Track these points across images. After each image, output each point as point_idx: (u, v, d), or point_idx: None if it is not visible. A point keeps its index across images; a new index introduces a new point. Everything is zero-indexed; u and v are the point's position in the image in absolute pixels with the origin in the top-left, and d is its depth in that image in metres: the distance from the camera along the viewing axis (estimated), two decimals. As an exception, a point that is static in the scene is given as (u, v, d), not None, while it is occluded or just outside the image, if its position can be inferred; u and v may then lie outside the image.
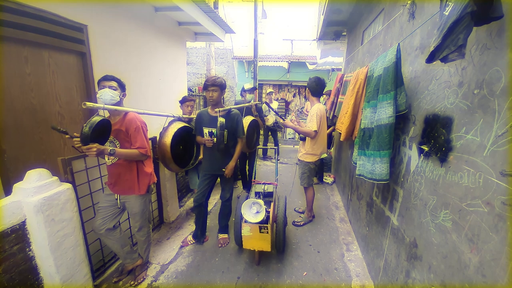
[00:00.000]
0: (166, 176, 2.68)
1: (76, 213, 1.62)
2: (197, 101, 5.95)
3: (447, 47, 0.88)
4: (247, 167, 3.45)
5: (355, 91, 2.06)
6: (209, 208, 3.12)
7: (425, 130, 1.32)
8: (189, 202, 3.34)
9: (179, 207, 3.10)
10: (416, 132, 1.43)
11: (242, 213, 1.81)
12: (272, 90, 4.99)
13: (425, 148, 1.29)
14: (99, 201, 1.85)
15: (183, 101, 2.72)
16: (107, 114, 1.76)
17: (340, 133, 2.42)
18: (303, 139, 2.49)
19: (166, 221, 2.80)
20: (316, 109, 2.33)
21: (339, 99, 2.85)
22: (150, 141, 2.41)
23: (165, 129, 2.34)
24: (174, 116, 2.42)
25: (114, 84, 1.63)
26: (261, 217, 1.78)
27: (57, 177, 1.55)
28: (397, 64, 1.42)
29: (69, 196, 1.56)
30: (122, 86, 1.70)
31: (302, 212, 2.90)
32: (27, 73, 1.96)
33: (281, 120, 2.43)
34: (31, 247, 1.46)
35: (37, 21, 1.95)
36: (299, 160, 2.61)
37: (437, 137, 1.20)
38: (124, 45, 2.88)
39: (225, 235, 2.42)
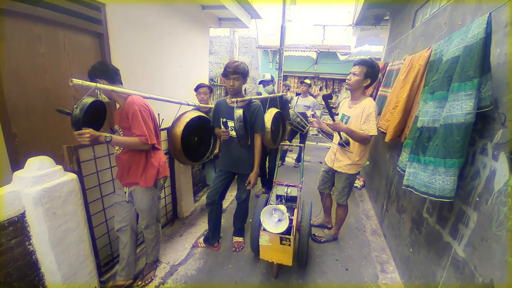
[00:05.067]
0: (181, 169, 2.51)
1: (80, 206, 1.48)
2: (218, 92, 5.76)
3: None
4: (267, 164, 3.18)
5: (408, 81, 1.66)
6: (224, 206, 2.93)
7: (528, 134, 0.93)
8: (205, 197, 3.16)
9: (194, 201, 2.95)
10: (506, 137, 1.04)
11: (261, 221, 1.55)
12: (308, 82, 4.32)
13: (527, 160, 0.91)
14: (114, 196, 1.73)
15: (197, 88, 2.50)
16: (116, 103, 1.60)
17: (383, 132, 2.03)
18: (342, 145, 1.91)
19: (180, 216, 2.66)
20: (373, 106, 1.76)
21: (379, 92, 2.43)
22: (161, 131, 2.25)
23: (177, 119, 2.15)
24: (189, 104, 2.20)
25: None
26: (283, 227, 1.51)
27: (61, 166, 1.41)
28: (486, 41, 1.03)
29: (73, 188, 1.42)
30: (90, 76, 1.50)
31: (319, 226, 2.50)
32: (40, 53, 1.84)
33: (330, 121, 1.77)
34: (31, 241, 1.34)
35: (51, -4, 1.81)
36: (335, 171, 2.08)
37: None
38: (143, 27, 2.71)
39: (240, 239, 2.20)
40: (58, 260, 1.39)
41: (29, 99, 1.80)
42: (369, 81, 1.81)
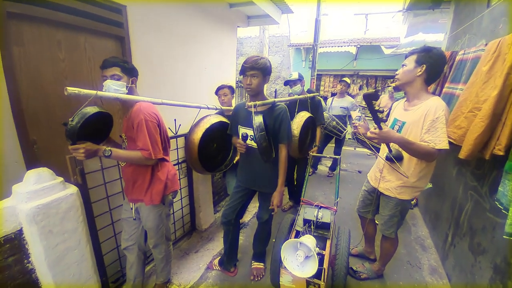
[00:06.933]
0: (199, 179, 2.32)
1: (82, 223, 1.35)
2: (246, 94, 5.55)
3: None
4: (295, 174, 2.81)
5: (498, 73, 1.15)
6: (246, 219, 2.66)
7: None
8: (227, 208, 2.95)
9: (215, 212, 2.74)
10: None
11: (282, 258, 1.22)
12: (348, 81, 3.87)
13: None
14: (122, 211, 1.60)
15: (217, 91, 2.28)
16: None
17: (452, 142, 1.50)
18: (391, 160, 1.44)
19: (198, 229, 2.47)
20: (442, 108, 1.26)
21: (445, 90, 1.87)
22: (177, 137, 2.08)
23: (196, 124, 1.94)
24: (209, 108, 1.98)
25: (116, 71, 1.28)
26: (311, 270, 1.15)
27: (62, 179, 1.30)
28: None
29: (73, 203, 1.29)
30: (129, 70, 1.32)
31: (359, 256, 2.02)
32: (60, 58, 1.81)
33: (374, 129, 1.29)
34: (30, 259, 1.25)
35: (71, 0, 1.77)
36: (381, 193, 1.61)
37: None
38: (166, 29, 2.60)
39: (260, 265, 1.89)
40: (56, 281, 1.27)
41: (49, 105, 1.78)
42: (424, 68, 1.31)
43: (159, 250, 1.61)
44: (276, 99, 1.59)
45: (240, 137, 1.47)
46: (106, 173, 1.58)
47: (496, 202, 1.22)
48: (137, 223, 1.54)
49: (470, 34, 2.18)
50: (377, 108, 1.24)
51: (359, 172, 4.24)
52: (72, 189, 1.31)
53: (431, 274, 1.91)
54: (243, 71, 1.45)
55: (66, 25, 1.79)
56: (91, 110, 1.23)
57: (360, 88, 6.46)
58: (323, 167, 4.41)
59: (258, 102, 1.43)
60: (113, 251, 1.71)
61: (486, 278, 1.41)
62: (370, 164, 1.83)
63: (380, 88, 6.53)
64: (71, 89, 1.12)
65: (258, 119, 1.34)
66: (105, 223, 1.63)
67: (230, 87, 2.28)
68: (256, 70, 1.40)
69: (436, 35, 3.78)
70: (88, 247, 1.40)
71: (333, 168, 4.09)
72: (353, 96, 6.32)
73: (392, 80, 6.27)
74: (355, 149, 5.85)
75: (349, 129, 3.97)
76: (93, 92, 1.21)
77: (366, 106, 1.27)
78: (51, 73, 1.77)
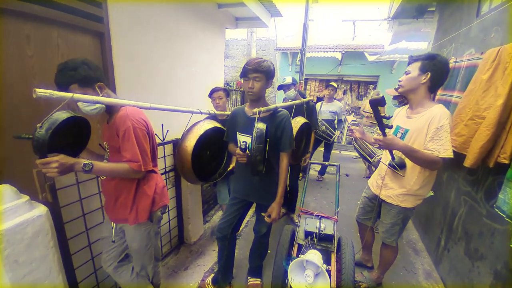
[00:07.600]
0: (189, 188, 2.15)
1: (52, 249, 1.14)
2: (234, 97, 5.43)
3: None
4: (288, 181, 2.74)
5: (500, 81, 1.16)
6: (240, 228, 2.52)
7: None
8: (216, 217, 2.79)
9: (204, 222, 2.58)
10: None
11: (290, 279, 1.11)
12: (335, 85, 3.90)
13: None
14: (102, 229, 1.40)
15: (211, 93, 2.14)
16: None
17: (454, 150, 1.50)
18: (394, 167, 1.42)
19: (187, 242, 2.29)
20: (447, 116, 1.24)
21: (438, 97, 1.91)
22: (165, 144, 1.91)
23: (188, 130, 1.79)
24: (202, 113, 1.84)
25: (74, 89, 1.06)
26: (321, 291, 1.06)
27: (28, 197, 1.09)
28: None
29: (41, 226, 1.09)
30: (86, 79, 1.07)
31: (356, 264, 1.99)
32: (28, 55, 1.58)
33: (378, 136, 1.28)
34: (-8, 294, 1.02)
35: (41, -11, 1.55)
36: (382, 200, 1.58)
37: None
38: (151, 27, 2.42)
39: (257, 281, 1.77)
40: (22, 320, 1.06)
41: (14, 108, 1.54)
42: (428, 76, 1.29)
43: (146, 272, 1.43)
44: (278, 105, 1.50)
45: (239, 147, 1.35)
46: (82, 188, 1.37)
47: (497, 210, 1.22)
48: (117, 238, 1.35)
49: (457, 43, 2.26)
50: (383, 114, 1.21)
51: (347, 175, 4.29)
52: (41, 209, 1.10)
53: (426, 278, 1.92)
54: (244, 74, 1.34)
55: (36, 17, 1.57)
56: (64, 115, 1.01)
57: (344, 92, 6.62)
58: (312, 171, 4.40)
59: (262, 109, 1.32)
60: (90, 277, 1.50)
61: (486, 283, 1.41)
62: (357, 167, 1.80)
63: (362, 93, 6.74)
64: (40, 91, 0.93)
65: (260, 130, 1.22)
66: (81, 245, 1.42)
67: (225, 90, 2.16)
68: (260, 73, 1.30)
69: (418, 43, 3.97)
70: (60, 276, 1.19)
71: (322, 172, 4.09)
72: (339, 101, 6.46)
73: (374, 86, 6.51)
74: (340, 152, 5.95)
75: (338, 134, 4.00)
76: (68, 94, 1.02)
77: (371, 112, 1.22)
78: (17, 71, 1.53)
